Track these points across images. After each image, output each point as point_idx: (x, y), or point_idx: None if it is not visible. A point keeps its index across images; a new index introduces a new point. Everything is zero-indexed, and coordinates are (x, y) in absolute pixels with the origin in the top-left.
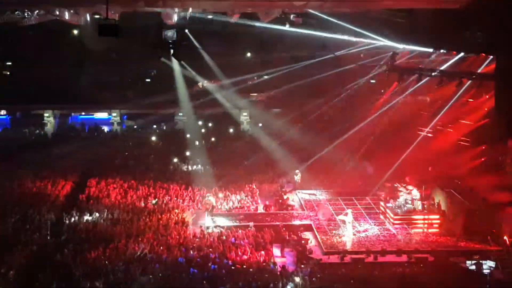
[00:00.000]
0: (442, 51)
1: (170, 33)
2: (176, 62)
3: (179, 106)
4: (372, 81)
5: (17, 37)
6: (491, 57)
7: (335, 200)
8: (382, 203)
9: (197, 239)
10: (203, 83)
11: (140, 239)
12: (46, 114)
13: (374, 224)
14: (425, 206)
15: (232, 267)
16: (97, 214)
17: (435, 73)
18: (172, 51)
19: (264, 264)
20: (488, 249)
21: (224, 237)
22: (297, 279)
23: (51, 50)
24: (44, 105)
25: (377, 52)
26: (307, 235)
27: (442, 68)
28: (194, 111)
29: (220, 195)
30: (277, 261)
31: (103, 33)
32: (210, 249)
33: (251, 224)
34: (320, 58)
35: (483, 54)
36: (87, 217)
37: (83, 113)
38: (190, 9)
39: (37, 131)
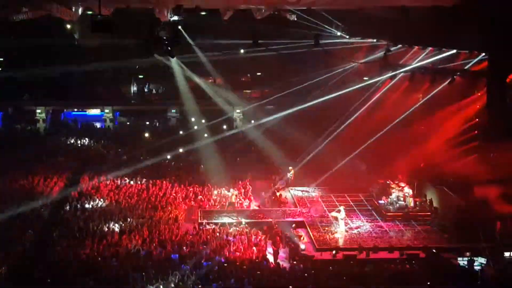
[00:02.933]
0: (435, 48)
1: (163, 30)
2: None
3: (174, 102)
4: (365, 78)
5: (8, 33)
6: (483, 54)
7: (328, 196)
8: (374, 200)
9: (190, 236)
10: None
11: (133, 235)
12: (38, 110)
13: (367, 221)
14: (417, 203)
15: (225, 264)
16: (90, 211)
17: (428, 70)
18: (165, 47)
19: (256, 260)
20: (480, 246)
21: (217, 234)
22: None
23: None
24: (36, 101)
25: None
26: (300, 232)
27: (434, 65)
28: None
29: (216, 191)
30: (269, 258)
31: (97, 29)
32: (204, 246)
33: (244, 221)
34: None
35: (476, 52)
36: (79, 214)
37: (75, 110)
38: (184, 6)
39: (29, 127)
